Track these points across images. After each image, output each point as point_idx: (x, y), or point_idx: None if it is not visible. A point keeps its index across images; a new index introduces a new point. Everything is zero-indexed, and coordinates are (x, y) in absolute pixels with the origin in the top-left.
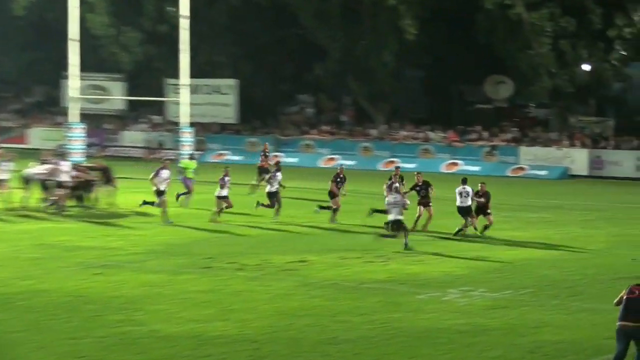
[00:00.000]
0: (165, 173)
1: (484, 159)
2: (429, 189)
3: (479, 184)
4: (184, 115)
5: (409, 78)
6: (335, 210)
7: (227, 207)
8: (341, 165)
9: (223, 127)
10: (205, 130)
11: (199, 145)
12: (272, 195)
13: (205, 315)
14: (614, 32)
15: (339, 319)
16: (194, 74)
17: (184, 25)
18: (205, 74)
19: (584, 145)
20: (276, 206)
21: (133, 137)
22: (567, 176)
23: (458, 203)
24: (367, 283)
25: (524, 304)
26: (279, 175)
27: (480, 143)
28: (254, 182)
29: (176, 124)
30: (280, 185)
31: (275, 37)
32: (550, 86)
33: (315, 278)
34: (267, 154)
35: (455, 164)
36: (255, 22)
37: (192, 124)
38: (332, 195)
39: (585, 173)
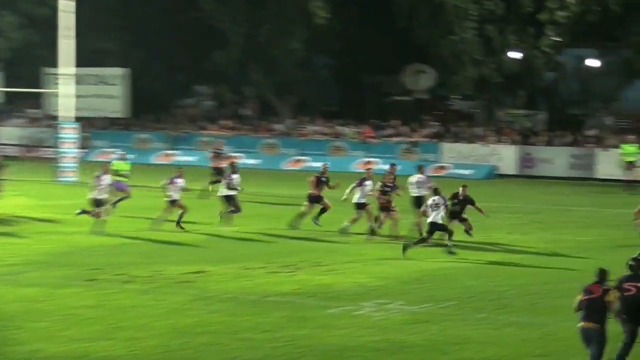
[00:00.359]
0: (107, 179)
1: (402, 157)
2: (394, 192)
3: (460, 187)
4: (66, 109)
5: (319, 67)
6: (323, 210)
7: (165, 215)
8: (325, 163)
9: (110, 122)
10: (90, 126)
11: (84, 143)
12: (228, 199)
13: (91, 333)
14: (545, 16)
15: (240, 336)
16: (78, 63)
17: (67, 8)
18: (90, 63)
19: (512, 142)
20: (231, 210)
21: (8, 133)
22: (494, 175)
23: (414, 194)
24: (272, 296)
25: (446, 318)
26: (235, 177)
27: (397, 139)
28: (203, 187)
29: (57, 118)
30: (235, 188)
31: (170, 21)
32: (476, 76)
33: (213, 291)
34: (219, 152)
35: (369, 163)
36: (147, 5)
37: (76, 119)
38: (316, 198)
39: (514, 172)
